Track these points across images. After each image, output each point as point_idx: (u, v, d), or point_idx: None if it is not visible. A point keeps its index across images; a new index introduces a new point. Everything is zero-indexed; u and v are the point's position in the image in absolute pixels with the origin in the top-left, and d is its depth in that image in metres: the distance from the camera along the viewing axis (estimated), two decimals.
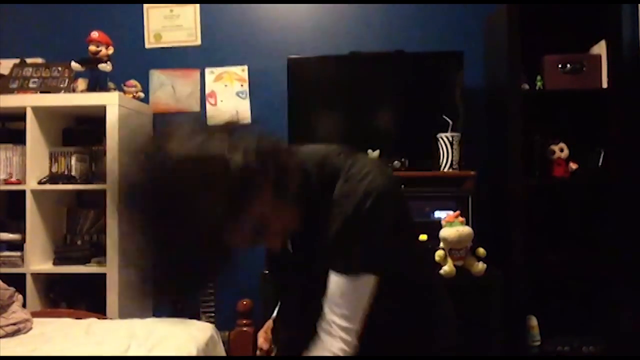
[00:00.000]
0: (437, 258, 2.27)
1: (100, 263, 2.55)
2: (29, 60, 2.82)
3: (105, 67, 2.61)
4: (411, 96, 2.71)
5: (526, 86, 2.51)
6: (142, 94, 2.88)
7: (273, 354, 1.33)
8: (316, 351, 0.98)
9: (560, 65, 2.46)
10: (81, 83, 2.73)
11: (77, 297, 2.66)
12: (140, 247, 0.89)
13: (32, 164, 2.58)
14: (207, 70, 3.00)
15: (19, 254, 2.58)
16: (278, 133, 1.01)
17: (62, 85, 2.67)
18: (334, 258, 0.98)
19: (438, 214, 2.39)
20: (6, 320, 1.99)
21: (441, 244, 2.28)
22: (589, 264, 2.46)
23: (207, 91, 3.01)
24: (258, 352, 1.33)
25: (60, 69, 2.72)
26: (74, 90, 2.69)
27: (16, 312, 2.05)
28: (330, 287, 0.97)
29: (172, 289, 0.96)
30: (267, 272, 1.44)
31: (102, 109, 2.52)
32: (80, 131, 2.86)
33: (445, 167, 2.52)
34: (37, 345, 1.85)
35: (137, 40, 3.03)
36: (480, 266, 2.27)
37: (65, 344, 1.88)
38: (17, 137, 2.68)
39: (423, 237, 2.22)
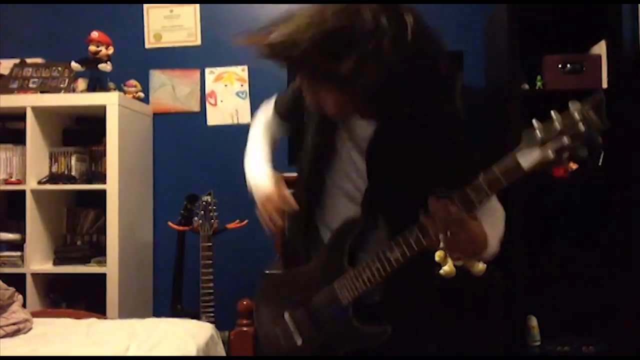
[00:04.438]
0: (437, 258, 2.25)
1: (100, 263, 2.56)
2: (29, 60, 2.82)
3: (105, 67, 2.61)
4: None
5: (526, 86, 2.51)
6: (142, 94, 2.88)
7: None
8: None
9: (560, 65, 2.46)
10: (81, 83, 2.73)
11: (77, 297, 2.67)
12: None
13: (32, 164, 2.58)
14: (207, 70, 3.00)
15: (19, 254, 2.59)
16: None
17: (62, 85, 2.67)
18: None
19: None
20: (6, 320, 1.99)
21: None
22: (589, 264, 2.46)
23: (207, 91, 3.01)
24: (268, 225, 1.23)
25: (60, 69, 2.72)
26: (74, 90, 2.69)
27: (16, 312, 2.05)
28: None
29: None
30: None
31: (102, 109, 2.52)
32: (80, 131, 2.86)
33: None
34: (37, 345, 1.85)
35: (137, 40, 3.03)
36: (480, 266, 2.26)
37: (65, 344, 1.88)
38: (17, 137, 2.68)
39: None
